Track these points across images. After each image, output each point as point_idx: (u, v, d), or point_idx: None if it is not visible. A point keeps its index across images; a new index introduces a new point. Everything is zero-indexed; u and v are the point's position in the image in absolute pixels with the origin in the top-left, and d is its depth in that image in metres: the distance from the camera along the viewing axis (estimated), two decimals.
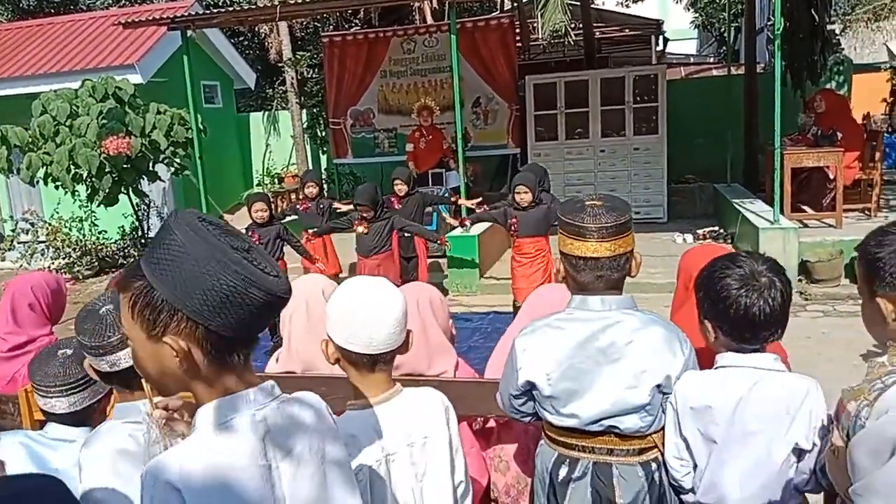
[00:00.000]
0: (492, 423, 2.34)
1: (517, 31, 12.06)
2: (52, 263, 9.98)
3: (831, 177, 8.17)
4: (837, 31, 13.52)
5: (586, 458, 1.88)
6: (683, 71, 16.06)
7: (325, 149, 13.72)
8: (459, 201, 7.56)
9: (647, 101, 10.16)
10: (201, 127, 9.30)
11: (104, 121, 9.00)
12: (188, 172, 9.88)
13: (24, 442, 1.95)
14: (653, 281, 6.97)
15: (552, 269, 5.69)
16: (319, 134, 13.78)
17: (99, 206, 9.56)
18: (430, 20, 12.85)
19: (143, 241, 10.68)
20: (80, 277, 9.91)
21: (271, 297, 1.13)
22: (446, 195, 8.52)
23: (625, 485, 1.84)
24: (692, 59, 21.04)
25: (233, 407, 1.16)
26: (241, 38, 16.55)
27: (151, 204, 11.01)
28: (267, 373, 2.43)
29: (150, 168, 9.63)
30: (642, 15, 16.78)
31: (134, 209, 10.42)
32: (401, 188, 6.98)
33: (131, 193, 9.89)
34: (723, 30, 15.45)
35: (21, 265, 9.92)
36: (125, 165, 9.11)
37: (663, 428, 1.87)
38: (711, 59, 20.46)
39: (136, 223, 10.68)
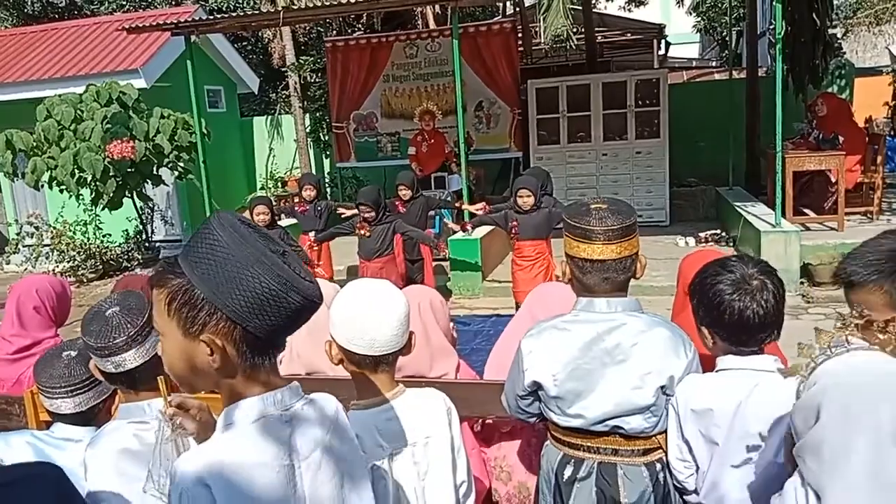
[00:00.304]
0: (490, 422, 2.36)
1: (519, 35, 12.10)
2: (57, 267, 10.02)
3: (833, 180, 8.18)
4: (839, 35, 13.55)
5: (591, 458, 1.90)
6: (686, 75, 16.09)
7: (328, 153, 13.76)
8: (463, 206, 7.58)
9: (649, 104, 10.18)
10: (205, 131, 9.34)
11: (108, 125, 9.04)
12: (192, 176, 9.92)
13: (30, 441, 1.97)
14: (655, 284, 6.99)
15: (552, 272, 5.71)
16: (322, 138, 13.82)
17: (103, 209, 9.60)
18: (432, 25, 12.88)
19: (146, 244, 10.72)
20: (85, 280, 9.95)
21: (307, 302, 1.15)
22: (450, 199, 8.55)
23: (629, 485, 1.86)
24: (694, 63, 21.07)
25: (261, 407, 1.18)
26: (244, 43, 16.60)
27: (155, 208, 11.05)
28: None
29: (154, 172, 9.67)
30: (644, 19, 16.84)
31: (138, 213, 10.46)
32: (405, 192, 7.01)
33: (135, 197, 9.93)
34: (725, 34, 15.48)
35: (26, 268, 9.95)
36: (129, 169, 9.15)
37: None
38: (714, 63, 20.49)
39: (140, 227, 10.72)
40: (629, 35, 15.91)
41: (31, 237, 10.47)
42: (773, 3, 7.52)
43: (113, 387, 1.95)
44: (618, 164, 10.41)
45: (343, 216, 7.06)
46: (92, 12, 16.79)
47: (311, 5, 9.95)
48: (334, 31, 14.12)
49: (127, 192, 9.53)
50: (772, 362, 1.81)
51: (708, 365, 1.94)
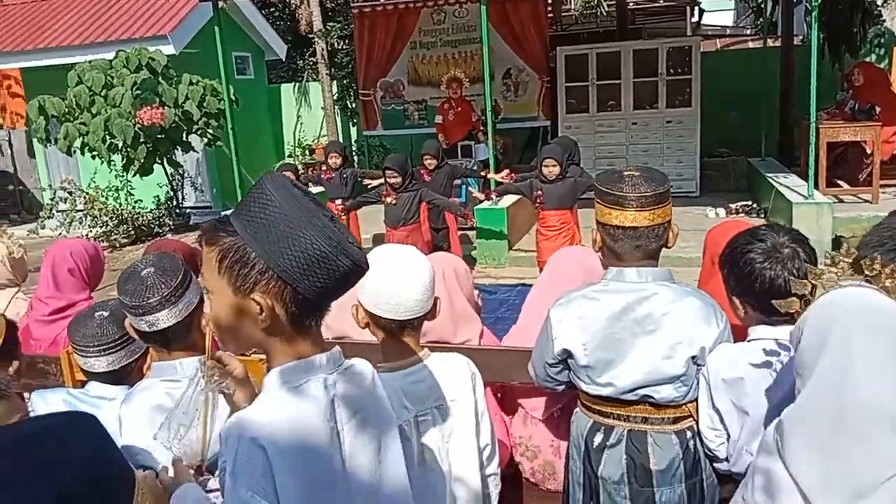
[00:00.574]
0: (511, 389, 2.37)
1: (549, 1, 11.90)
2: (90, 232, 10.19)
3: (868, 151, 8.00)
4: (879, 2, 13.12)
5: (621, 425, 1.91)
6: (719, 43, 15.74)
7: (355, 120, 13.74)
8: (488, 175, 7.54)
9: (681, 73, 9.99)
10: (233, 98, 9.38)
11: (138, 91, 9.13)
12: (221, 143, 10.00)
13: (66, 399, 2.04)
14: (684, 255, 6.91)
15: (578, 242, 5.68)
16: (350, 105, 13.79)
17: (134, 175, 9.73)
18: None
19: (177, 210, 10.86)
20: (118, 245, 10.12)
21: (355, 267, 1.17)
22: (475, 168, 8.51)
23: (659, 452, 1.87)
24: (728, 31, 20.57)
25: (307, 369, 1.20)
26: (272, 10, 16.55)
27: (185, 174, 11.17)
28: None
29: (184, 139, 9.76)
30: None
31: (168, 179, 10.59)
32: (430, 162, 7.00)
33: (166, 163, 10.05)
34: (760, 1, 15.07)
35: (60, 233, 10.14)
36: (159, 136, 9.25)
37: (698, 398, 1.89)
38: (748, 31, 19.98)
39: (171, 193, 10.86)
40: (661, 1, 15.56)
41: (65, 202, 10.65)
42: None
43: (144, 347, 2.01)
44: (648, 134, 10.26)
45: (369, 186, 7.06)
46: None
47: None
48: None
49: (157, 159, 9.65)
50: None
51: (739, 335, 1.93)
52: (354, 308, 1.72)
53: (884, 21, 12.24)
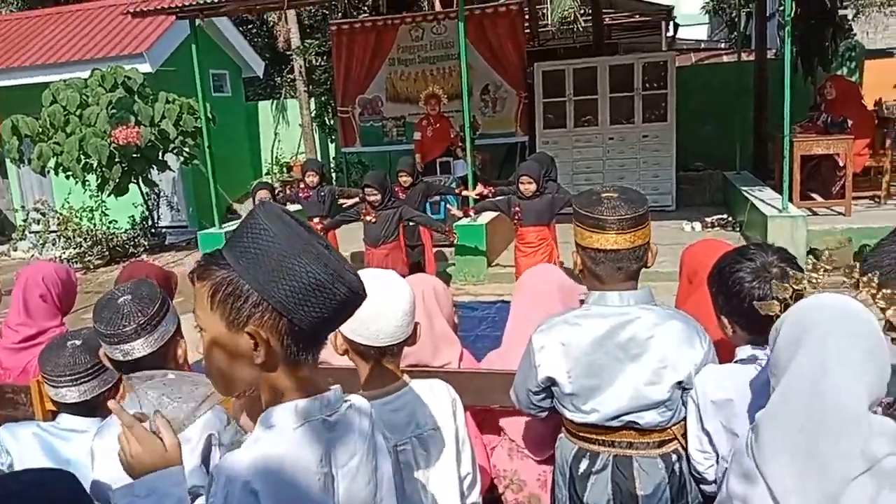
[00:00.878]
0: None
1: (526, 17, 11.99)
2: (63, 253, 10.05)
3: (841, 164, 8.12)
4: (850, 17, 13.36)
5: (606, 451, 1.89)
6: (694, 57, 15.93)
7: (333, 137, 13.72)
8: (464, 192, 7.53)
9: (657, 87, 10.10)
10: (210, 116, 9.32)
11: (114, 110, 9.04)
12: (197, 162, 9.92)
13: (36, 432, 1.99)
14: (660, 269, 6.86)
15: (556, 258, 5.69)
16: (328, 122, 13.77)
17: (109, 195, 9.62)
18: (438, 7, 12.78)
19: (152, 230, 10.74)
20: (91, 267, 9.98)
21: (352, 295, 1.13)
22: (453, 185, 8.51)
23: (645, 477, 1.85)
24: (703, 45, 20.85)
25: (304, 411, 1.15)
26: (249, 27, 16.53)
27: (161, 193, 11.06)
28: None
29: (160, 157, 9.67)
30: (653, 1, 16.64)
31: (144, 198, 10.48)
32: (405, 179, 7.00)
33: (141, 183, 9.94)
34: (734, 15, 15.30)
35: (33, 255, 9.99)
36: (135, 155, 9.16)
37: (683, 420, 1.87)
38: (722, 45, 20.26)
39: (147, 213, 10.74)
40: (637, 17, 15.73)
41: (38, 224, 10.50)
42: None
43: (117, 376, 1.97)
44: (624, 148, 10.34)
45: (345, 205, 7.01)
46: None
47: None
48: (340, 14, 14.04)
49: (133, 178, 9.55)
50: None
51: (723, 353, 1.93)
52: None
53: (854, 35, 12.48)
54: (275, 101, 14.67)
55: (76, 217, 10.35)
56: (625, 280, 1.88)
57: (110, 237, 10.40)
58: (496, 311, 5.71)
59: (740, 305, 1.78)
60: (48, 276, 3.08)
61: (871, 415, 1.29)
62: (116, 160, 9.05)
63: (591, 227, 1.85)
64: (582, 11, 12.83)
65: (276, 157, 14.31)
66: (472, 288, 7.74)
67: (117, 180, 9.21)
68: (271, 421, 1.15)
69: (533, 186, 5.66)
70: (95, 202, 10.35)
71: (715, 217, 9.08)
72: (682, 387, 1.83)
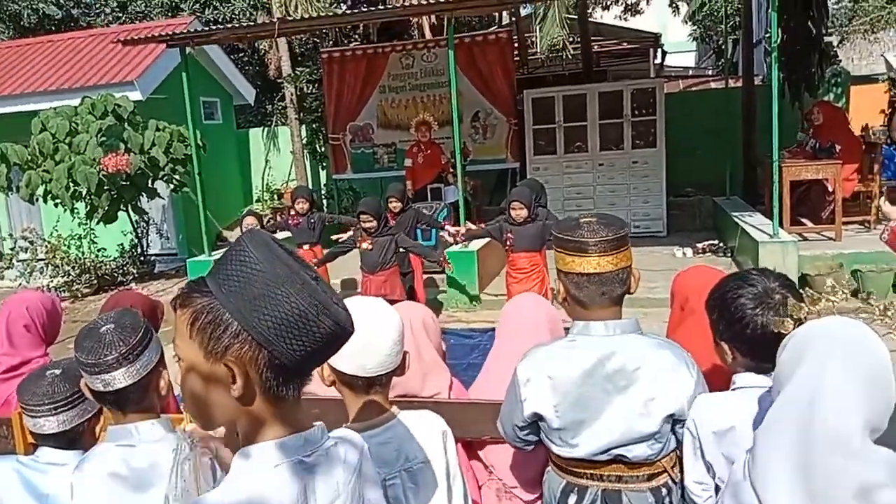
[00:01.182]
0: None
1: (515, 45, 12.11)
2: (52, 282, 9.95)
3: (830, 189, 8.16)
4: (835, 43, 13.58)
5: (595, 485, 1.85)
6: (682, 83, 16.11)
7: (324, 164, 13.74)
8: (448, 230, 7.31)
9: (646, 114, 10.18)
10: (200, 143, 9.31)
11: (103, 138, 9.02)
12: (188, 189, 9.89)
13: (15, 468, 1.94)
14: (652, 296, 6.94)
15: (548, 284, 5.66)
16: (319, 149, 13.81)
17: (98, 223, 9.56)
18: (428, 35, 12.90)
19: (142, 258, 10.66)
20: (80, 295, 9.88)
21: (338, 329, 1.08)
22: (439, 218, 8.50)
23: None
24: (691, 72, 21.11)
25: (284, 450, 1.10)
26: (240, 55, 16.61)
27: (151, 221, 11.01)
28: None
29: (150, 185, 9.63)
30: (640, 28, 16.88)
31: (133, 226, 10.41)
32: (395, 205, 6.99)
33: (130, 211, 9.89)
34: (721, 42, 15.54)
35: (20, 283, 9.88)
36: (124, 183, 9.12)
37: (673, 452, 1.84)
38: (710, 72, 20.52)
39: (136, 240, 10.67)
40: (625, 44, 15.94)
41: (26, 252, 10.41)
42: (769, 11, 7.53)
43: (98, 407, 1.93)
44: (614, 174, 10.39)
45: (340, 240, 6.88)
46: (88, 24, 16.81)
47: (307, 16, 9.93)
48: (331, 42, 14.14)
49: (122, 206, 9.50)
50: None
51: (717, 383, 1.90)
52: None
53: (840, 61, 12.67)
54: (266, 129, 14.71)
55: (64, 245, 10.27)
56: (609, 306, 1.85)
57: (99, 265, 10.32)
58: (488, 338, 5.66)
59: (742, 332, 1.75)
60: (32, 306, 3.04)
61: (868, 443, 1.27)
62: (105, 188, 9.01)
63: (572, 251, 1.83)
64: (570, 39, 13.04)
65: (267, 184, 14.31)
66: (463, 315, 7.69)
67: (106, 208, 9.16)
68: (248, 458, 1.10)
69: (524, 212, 5.65)
70: (84, 230, 10.28)
71: (706, 243, 9.10)
72: (673, 419, 1.79)
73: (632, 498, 1.82)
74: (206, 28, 11.78)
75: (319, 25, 10.62)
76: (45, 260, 10.23)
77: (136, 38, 8.93)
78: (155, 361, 1.81)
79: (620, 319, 1.86)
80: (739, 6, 11.90)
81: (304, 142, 13.39)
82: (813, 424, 1.28)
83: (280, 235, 7.80)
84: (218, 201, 11.91)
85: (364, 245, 6.22)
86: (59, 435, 1.93)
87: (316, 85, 13.63)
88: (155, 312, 2.95)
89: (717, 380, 1.93)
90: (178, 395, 2.17)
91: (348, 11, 8.68)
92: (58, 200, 9.13)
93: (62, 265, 10.07)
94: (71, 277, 10.04)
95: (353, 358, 1.59)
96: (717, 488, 1.78)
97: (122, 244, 10.78)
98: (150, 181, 9.55)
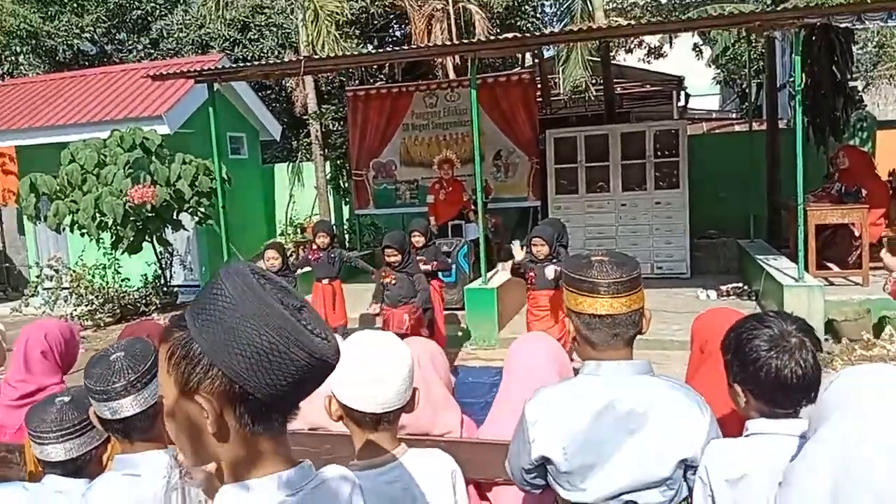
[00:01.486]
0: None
1: (538, 85, 12.21)
2: (75, 310, 10.05)
3: (857, 234, 8.04)
4: (860, 88, 13.52)
5: None
6: (705, 126, 16.11)
7: (347, 199, 13.86)
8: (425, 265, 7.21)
9: (668, 155, 10.15)
10: (225, 177, 9.44)
11: (130, 170, 9.18)
12: (212, 221, 10.00)
13: (22, 495, 1.92)
14: (675, 338, 6.85)
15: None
16: (342, 185, 13.95)
17: (123, 253, 9.68)
18: (452, 75, 13.06)
19: (165, 289, 10.75)
20: (102, 325, 9.96)
21: (314, 360, 1.03)
22: (459, 257, 8.54)
23: None
24: (714, 115, 21.13)
25: (265, 491, 1.06)
26: (268, 92, 16.94)
27: (175, 253, 11.13)
28: None
29: (175, 217, 9.76)
30: (664, 71, 16.96)
31: (157, 257, 10.53)
32: (418, 239, 6.98)
33: (155, 242, 10.01)
34: (744, 86, 15.56)
35: (44, 311, 10.01)
36: (149, 214, 9.25)
37: (685, 500, 1.76)
38: (734, 115, 20.53)
39: (159, 271, 10.78)
40: (648, 86, 16.02)
41: (51, 280, 10.55)
42: (793, 55, 7.53)
43: (105, 435, 1.93)
44: (637, 215, 10.34)
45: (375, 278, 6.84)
46: (120, 60, 17.26)
47: (333, 55, 10.12)
48: (356, 81, 14.38)
49: (147, 237, 9.62)
50: (807, 427, 1.71)
51: (731, 428, 1.84)
52: (327, 399, 1.63)
53: (865, 106, 12.59)
54: (291, 164, 14.91)
55: (89, 274, 10.41)
56: (622, 347, 1.79)
57: (122, 295, 10.42)
58: None
59: (756, 374, 1.69)
60: (51, 334, 3.06)
61: None
62: (131, 218, 9.14)
63: (585, 291, 1.78)
64: (593, 81, 13.11)
65: (291, 218, 14.45)
66: (482, 353, 7.63)
67: (131, 238, 9.29)
68: (228, 497, 1.06)
69: (545, 249, 5.61)
70: (109, 260, 10.42)
71: (730, 285, 8.98)
72: (686, 464, 1.73)
73: None
74: (234, 65, 12.04)
75: (345, 65, 10.81)
76: (70, 289, 10.36)
77: (165, 73, 9.14)
78: None
79: (632, 360, 1.81)
80: (763, 51, 11.93)
81: (327, 177, 13.54)
82: (849, 473, 1.21)
83: (304, 270, 7.84)
84: (242, 234, 12.04)
85: (387, 279, 6.22)
86: (66, 463, 1.93)
87: (341, 122, 13.82)
88: None
89: (735, 425, 1.87)
90: None
91: (372, 51, 8.82)
92: (84, 230, 9.27)
93: (86, 294, 10.19)
94: (94, 306, 10.15)
95: (362, 393, 1.56)
96: None
97: (145, 274, 10.89)
98: (175, 213, 9.68)
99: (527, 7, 17.25)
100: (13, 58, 17.19)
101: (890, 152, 10.91)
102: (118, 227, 9.18)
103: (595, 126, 11.23)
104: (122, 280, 10.70)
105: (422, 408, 2.00)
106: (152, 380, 1.77)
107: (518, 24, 16.40)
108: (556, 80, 14.13)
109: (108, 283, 10.57)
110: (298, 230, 13.99)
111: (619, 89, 14.42)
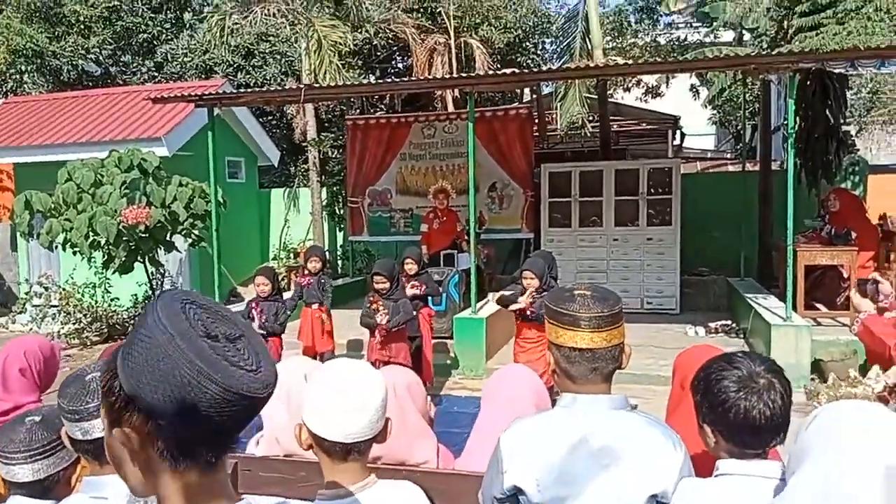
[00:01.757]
0: None
1: (535, 120, 12.33)
2: (63, 328, 10.00)
3: (845, 275, 8.09)
4: (853, 133, 13.68)
5: None
6: (699, 165, 16.24)
7: (342, 226, 13.90)
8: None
9: (661, 192, 10.24)
10: (221, 200, 9.46)
11: (126, 190, 9.20)
12: (205, 244, 10.00)
13: None
14: (662, 374, 6.83)
15: None
16: (338, 211, 14.01)
17: (114, 273, 9.66)
18: (451, 108, 13.20)
19: None
20: (89, 343, 9.91)
21: (231, 395, 0.97)
22: (450, 287, 8.57)
23: None
24: (709, 155, 21.31)
25: None
26: (269, 118, 17.06)
27: (166, 274, 11.10)
28: (247, 455, 2.37)
29: (168, 238, 9.76)
30: (660, 110, 17.15)
31: (149, 278, 10.51)
32: (411, 267, 6.99)
33: (147, 262, 9.99)
34: (740, 127, 15.74)
35: (31, 328, 9.96)
36: (142, 235, 9.24)
37: None
38: (728, 156, 20.71)
39: (150, 292, 10.74)
40: (644, 125, 16.18)
41: (40, 297, 10.51)
42: (786, 99, 7.64)
43: (74, 456, 1.90)
44: (628, 250, 10.39)
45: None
46: (125, 82, 17.39)
47: (333, 85, 10.22)
48: (357, 110, 14.50)
49: (139, 257, 9.60)
50: (777, 468, 1.70)
51: (704, 467, 1.84)
52: (297, 427, 1.62)
53: (858, 150, 12.73)
54: (288, 190, 14.97)
55: (78, 293, 10.37)
56: (600, 382, 1.81)
57: (111, 314, 10.38)
58: None
59: (725, 416, 1.70)
60: (30, 351, 3.04)
61: None
62: (124, 238, 9.13)
63: (566, 324, 1.80)
64: (590, 118, 13.25)
65: (285, 243, 14.47)
66: (469, 382, 7.60)
67: (123, 258, 9.26)
68: None
69: (535, 282, 5.63)
70: (99, 279, 10.39)
71: (719, 323, 9.00)
72: (657, 500, 1.73)
73: None
74: (236, 91, 12.14)
75: (345, 94, 10.92)
76: (59, 307, 10.32)
77: (166, 96, 9.21)
78: None
79: (610, 395, 1.82)
80: (759, 93, 12.09)
81: (323, 203, 13.59)
82: None
83: (286, 295, 7.81)
84: (235, 257, 12.04)
85: (374, 306, 6.22)
86: (34, 484, 1.90)
87: (339, 150, 13.92)
88: None
89: (712, 462, 1.87)
90: None
91: (374, 82, 8.93)
92: (76, 249, 9.26)
93: (74, 312, 10.14)
94: (82, 325, 10.10)
95: (332, 422, 1.55)
96: None
97: (136, 295, 10.86)
98: (168, 234, 9.67)
99: (528, 44, 17.50)
100: (18, 76, 17.29)
101: (881, 196, 11.02)
102: (110, 247, 9.16)
103: (590, 162, 11.35)
104: (112, 300, 10.66)
105: (397, 437, 1.99)
106: None
107: (518, 59, 16.62)
108: (554, 116, 14.28)
109: (97, 302, 10.53)
110: (292, 255, 14.01)
111: (615, 126, 14.56)
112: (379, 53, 15.95)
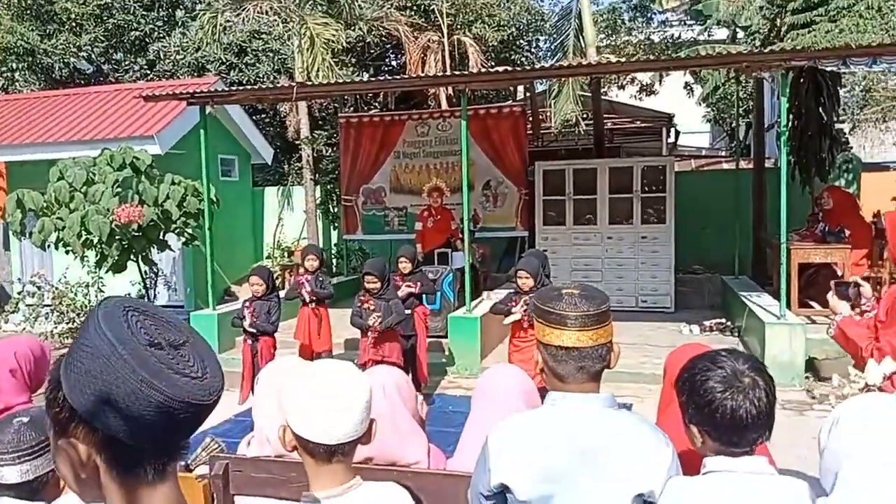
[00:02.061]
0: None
1: (529, 118, 12.32)
2: (55, 328, 9.96)
3: (839, 273, 8.10)
4: (846, 130, 13.71)
5: None
6: (694, 163, 16.26)
7: (336, 224, 13.88)
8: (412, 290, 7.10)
9: (656, 190, 10.23)
10: (214, 199, 9.42)
11: (119, 189, 9.15)
12: (198, 243, 9.96)
13: None
14: (656, 372, 6.80)
15: None
16: (332, 210, 13.98)
17: (107, 272, 9.61)
18: (444, 105, 13.17)
19: None
20: None
21: (175, 403, 0.96)
22: (444, 285, 8.56)
23: None
24: (703, 152, 21.33)
25: None
26: (262, 116, 17.00)
27: (160, 273, 11.06)
28: (238, 456, 2.35)
29: (161, 237, 9.72)
30: (654, 108, 17.15)
31: (142, 277, 10.47)
32: (405, 265, 6.98)
33: (140, 261, 9.95)
34: (734, 125, 15.75)
35: (24, 328, 9.90)
36: (135, 233, 9.20)
37: None
38: (723, 153, 20.73)
39: (143, 291, 10.71)
40: (639, 122, 16.18)
41: (32, 297, 10.46)
42: (779, 97, 7.64)
43: None
44: (623, 248, 10.39)
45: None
46: (117, 80, 17.31)
47: (326, 82, 10.19)
48: (350, 108, 14.46)
49: (132, 256, 9.56)
50: (764, 464, 1.71)
51: (692, 466, 1.83)
52: (281, 429, 1.60)
53: (851, 148, 12.76)
54: (281, 188, 14.93)
55: (71, 292, 10.32)
56: (587, 381, 1.80)
57: None
58: None
59: (712, 416, 1.69)
60: (20, 352, 3.01)
61: None
62: (117, 237, 9.09)
63: (552, 322, 1.80)
64: (584, 115, 13.24)
65: (279, 242, 14.43)
66: (464, 381, 7.60)
67: (116, 257, 9.22)
68: None
69: (530, 281, 5.63)
70: (92, 278, 10.34)
71: (714, 321, 9.00)
72: (644, 499, 1.72)
73: None
74: (228, 89, 12.10)
75: (337, 92, 10.89)
76: (52, 306, 10.27)
77: (158, 94, 9.17)
78: None
79: (598, 393, 1.81)
80: (752, 91, 12.10)
81: (317, 202, 13.56)
82: None
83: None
84: (229, 255, 12.00)
85: (366, 305, 6.21)
86: (22, 485, 1.89)
87: (333, 148, 13.89)
88: None
89: (692, 467, 1.87)
90: None
91: (367, 79, 8.91)
92: (69, 248, 9.21)
93: (67, 312, 10.10)
94: (75, 324, 10.05)
95: (316, 424, 1.54)
96: None
97: (129, 294, 10.81)
98: (161, 233, 9.63)
99: (521, 41, 17.49)
100: (9, 74, 17.20)
101: (874, 194, 11.04)
102: (103, 246, 9.12)
103: (584, 160, 11.34)
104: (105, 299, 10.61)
105: (388, 438, 1.98)
106: None
107: (512, 57, 16.60)
108: (548, 114, 14.28)
109: (90, 301, 10.49)
110: (286, 253, 13.98)
111: (609, 124, 14.55)
112: (372, 51, 15.92)
